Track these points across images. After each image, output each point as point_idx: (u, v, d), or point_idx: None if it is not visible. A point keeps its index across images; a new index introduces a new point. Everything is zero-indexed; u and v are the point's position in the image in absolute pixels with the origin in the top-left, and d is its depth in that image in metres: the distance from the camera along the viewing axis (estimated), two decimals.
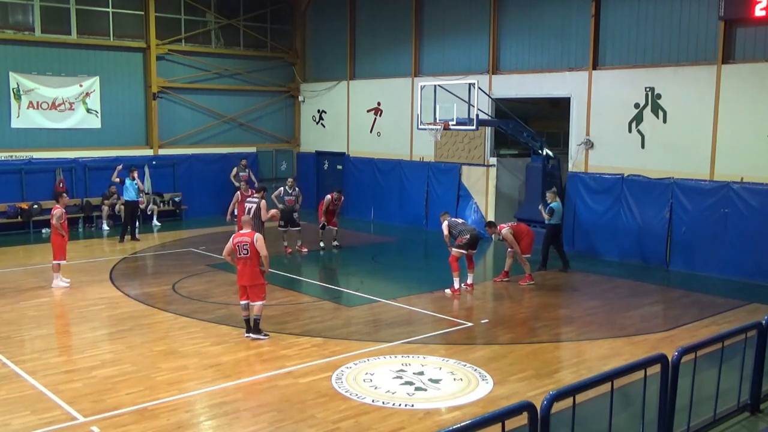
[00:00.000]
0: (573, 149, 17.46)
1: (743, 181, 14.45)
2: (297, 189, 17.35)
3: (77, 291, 13.25)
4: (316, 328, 11.08)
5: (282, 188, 17.18)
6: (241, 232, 10.38)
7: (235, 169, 22.29)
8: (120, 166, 19.31)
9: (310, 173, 24.61)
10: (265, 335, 10.38)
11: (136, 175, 18.65)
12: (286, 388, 8.54)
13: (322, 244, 17.50)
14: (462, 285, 13.42)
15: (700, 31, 15.18)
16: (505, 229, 14.08)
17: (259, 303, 10.31)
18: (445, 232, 13.51)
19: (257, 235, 10.18)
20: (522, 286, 13.90)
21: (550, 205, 14.98)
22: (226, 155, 22.80)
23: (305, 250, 17.06)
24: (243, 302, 10.44)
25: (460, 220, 14.46)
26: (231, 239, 10.27)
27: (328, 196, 17.62)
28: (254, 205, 14.29)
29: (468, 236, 13.23)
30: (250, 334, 10.36)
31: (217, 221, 21.86)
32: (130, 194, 18.37)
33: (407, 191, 21.08)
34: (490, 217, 19.14)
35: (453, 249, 13.24)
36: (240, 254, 10.14)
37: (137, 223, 19.11)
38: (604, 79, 16.79)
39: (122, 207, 20.33)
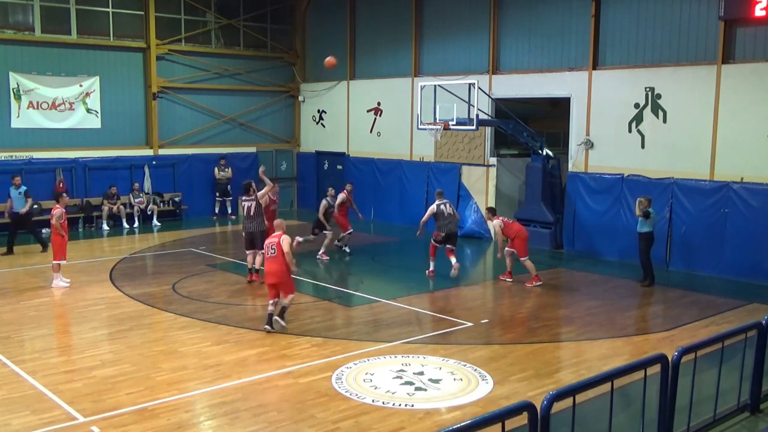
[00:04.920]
0: (573, 149, 17.46)
1: (743, 181, 14.45)
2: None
3: (77, 291, 13.24)
4: (316, 328, 11.08)
5: (326, 200, 16.47)
6: (272, 234, 11.07)
7: (216, 169, 22.35)
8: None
9: (310, 173, 24.61)
10: (285, 324, 10.77)
11: (19, 182, 17.17)
12: (286, 388, 8.54)
13: (347, 249, 17.02)
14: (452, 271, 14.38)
15: (700, 31, 15.18)
16: (496, 221, 14.17)
17: (290, 297, 10.86)
18: (429, 213, 14.50)
19: (284, 237, 10.76)
20: (528, 287, 13.80)
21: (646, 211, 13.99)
22: (226, 155, 22.80)
23: (326, 258, 16.26)
24: (272, 301, 10.84)
25: (448, 211, 14.56)
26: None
27: (342, 195, 16.75)
28: (252, 203, 13.93)
29: (443, 234, 14.36)
30: (271, 327, 10.68)
31: (218, 221, 21.91)
32: (16, 205, 16.80)
33: (407, 191, 21.08)
34: None
35: (432, 239, 14.58)
36: (268, 254, 10.77)
37: (16, 236, 16.80)
38: (604, 79, 16.79)
39: (121, 207, 20.40)
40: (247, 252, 14.04)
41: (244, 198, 14.20)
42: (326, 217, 16.45)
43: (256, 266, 13.84)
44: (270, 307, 10.81)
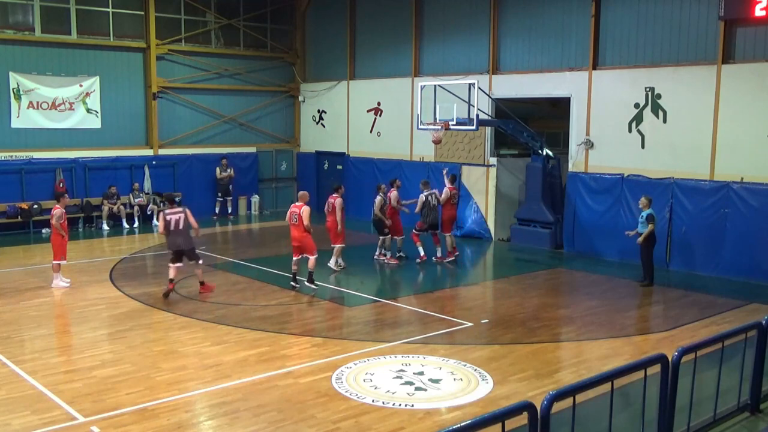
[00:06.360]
0: (573, 149, 17.46)
1: (743, 181, 14.45)
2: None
3: (77, 291, 13.25)
4: (316, 328, 11.09)
5: (391, 195, 15.56)
6: (295, 204, 13.34)
7: (217, 169, 22.35)
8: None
9: (310, 173, 24.59)
10: (315, 287, 13.09)
11: None
12: (286, 388, 8.54)
13: (401, 254, 16.16)
14: (433, 258, 15.77)
15: (700, 31, 15.18)
16: (445, 190, 15.69)
17: (312, 257, 13.14)
18: (420, 203, 15.50)
19: (304, 208, 12.99)
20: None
21: (649, 212, 13.73)
22: (227, 155, 22.80)
23: (395, 262, 15.87)
24: (295, 258, 13.35)
25: (433, 203, 15.65)
26: (289, 210, 13.44)
27: (394, 192, 15.64)
28: (180, 216, 12.62)
29: (426, 225, 15.68)
30: (296, 284, 13.22)
31: (218, 221, 21.91)
32: None
33: (407, 191, 21.02)
34: (490, 217, 19.16)
35: (414, 228, 15.83)
36: (291, 221, 13.20)
37: None
38: (604, 79, 16.79)
39: (121, 207, 20.40)
40: (172, 265, 12.71)
41: (168, 211, 12.72)
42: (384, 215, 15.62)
43: (200, 279, 13.10)
44: (294, 267, 13.42)
